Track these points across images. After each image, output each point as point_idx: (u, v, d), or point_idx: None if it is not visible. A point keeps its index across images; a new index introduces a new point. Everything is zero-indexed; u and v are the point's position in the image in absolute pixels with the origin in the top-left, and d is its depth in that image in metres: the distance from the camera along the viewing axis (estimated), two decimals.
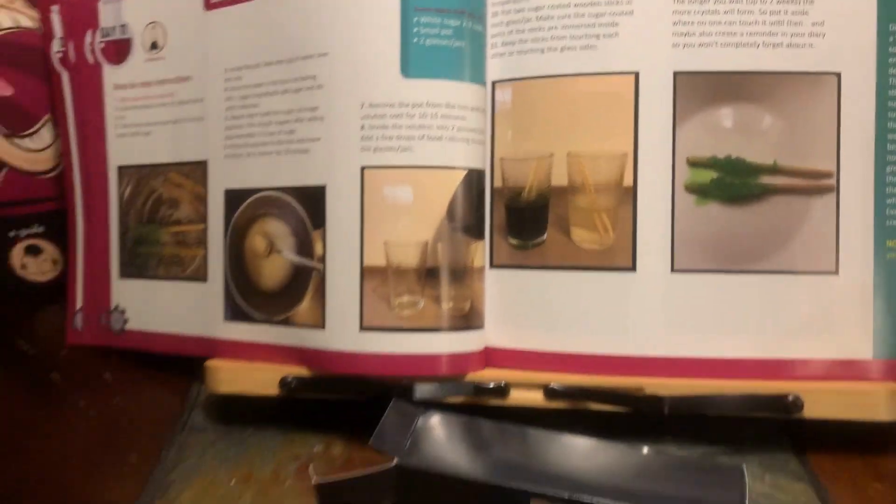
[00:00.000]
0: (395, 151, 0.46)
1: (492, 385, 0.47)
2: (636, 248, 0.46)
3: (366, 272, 0.46)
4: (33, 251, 0.67)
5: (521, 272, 0.48)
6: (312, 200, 0.48)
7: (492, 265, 0.49)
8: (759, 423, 0.47)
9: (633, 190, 0.46)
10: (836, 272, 0.46)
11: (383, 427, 0.44)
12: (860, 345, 0.46)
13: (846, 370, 0.46)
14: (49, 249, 0.67)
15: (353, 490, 0.42)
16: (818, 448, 0.46)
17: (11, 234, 0.66)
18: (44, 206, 0.65)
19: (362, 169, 0.46)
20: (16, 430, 0.52)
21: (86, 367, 0.58)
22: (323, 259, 0.48)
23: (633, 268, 0.46)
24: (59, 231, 0.65)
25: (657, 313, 0.46)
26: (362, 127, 0.46)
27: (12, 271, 0.67)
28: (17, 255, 0.67)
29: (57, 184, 0.65)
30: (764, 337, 0.46)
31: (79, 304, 0.61)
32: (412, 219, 0.46)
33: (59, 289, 0.66)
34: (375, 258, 0.46)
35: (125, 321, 0.58)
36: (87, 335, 0.60)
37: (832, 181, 0.46)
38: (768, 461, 0.45)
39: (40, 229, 0.66)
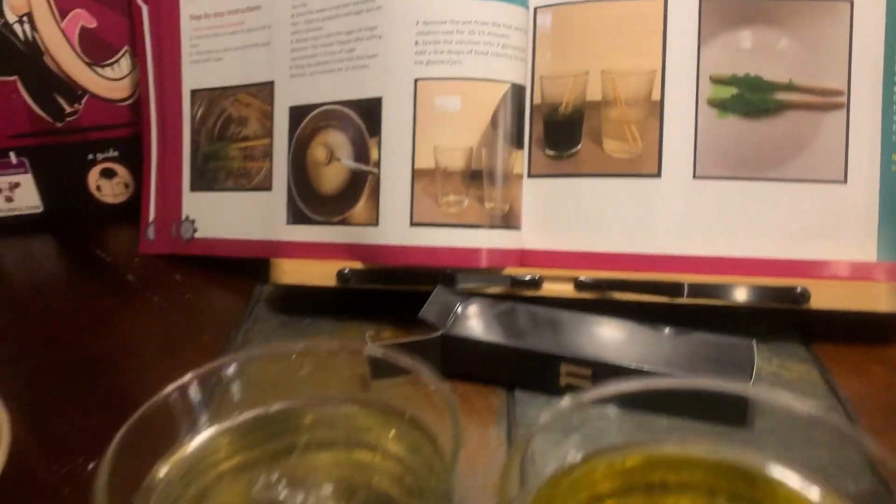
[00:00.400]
0: (445, 65, 0.51)
1: (527, 278, 0.52)
2: (662, 156, 0.51)
3: (416, 174, 0.52)
4: (108, 174, 0.74)
5: (557, 180, 0.53)
6: (369, 111, 0.53)
7: (529, 175, 0.54)
8: (770, 317, 0.51)
9: (661, 104, 0.51)
10: (845, 181, 0.50)
11: (429, 306, 0.49)
12: (865, 248, 0.50)
13: (852, 271, 0.50)
14: (122, 173, 0.74)
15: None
16: (824, 339, 0.50)
17: (90, 157, 0.72)
18: (119, 132, 0.72)
19: (416, 81, 0.52)
20: (98, 319, 0.59)
21: (157, 271, 0.64)
22: (378, 164, 0.53)
23: (658, 174, 0.51)
24: (132, 156, 0.72)
25: (680, 216, 0.51)
26: (416, 43, 0.52)
27: (89, 192, 0.74)
28: (93, 177, 0.73)
29: (132, 111, 0.71)
30: (776, 239, 0.51)
31: (151, 216, 0.67)
32: (459, 126, 0.51)
33: (129, 210, 0.73)
34: (425, 161, 0.52)
35: (195, 230, 0.64)
36: (158, 245, 0.66)
37: (843, 99, 0.50)
38: (777, 349, 0.50)
39: (115, 154, 0.73)
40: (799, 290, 0.49)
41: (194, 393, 0.29)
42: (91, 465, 0.44)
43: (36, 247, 0.71)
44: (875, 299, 0.48)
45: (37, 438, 0.45)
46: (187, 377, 0.29)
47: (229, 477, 0.28)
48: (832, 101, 0.50)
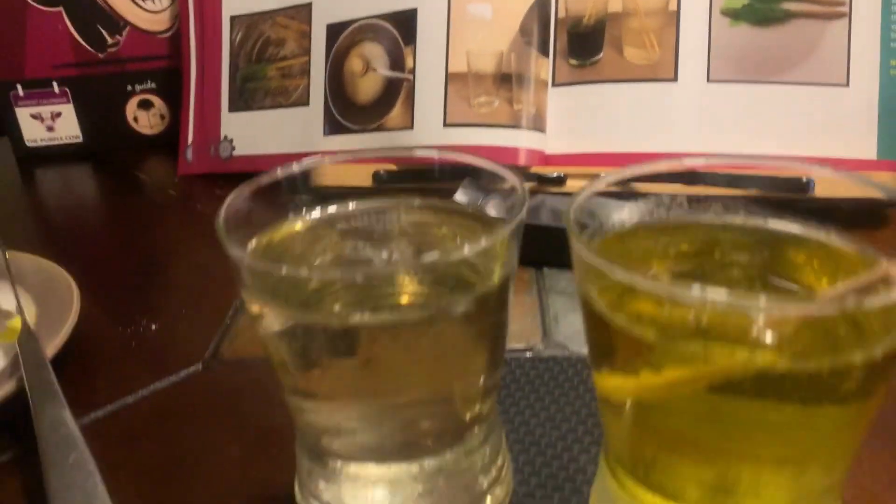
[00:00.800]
0: None
1: (553, 175, 0.56)
2: (678, 62, 0.55)
3: (450, 78, 0.56)
4: (145, 105, 0.77)
5: (580, 87, 0.57)
6: (404, 22, 0.57)
7: (554, 84, 0.58)
8: (777, 209, 0.55)
9: (677, 13, 0.55)
10: (847, 85, 0.54)
11: (460, 194, 0.53)
12: (866, 147, 0.54)
13: (853, 168, 0.54)
14: (159, 104, 0.77)
15: None
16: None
17: (128, 88, 0.76)
18: (157, 64, 0.76)
19: None
20: (147, 222, 0.62)
21: (198, 188, 0.68)
22: (413, 70, 0.57)
23: (675, 79, 0.55)
24: (169, 88, 0.76)
25: (695, 117, 0.55)
26: None
27: (126, 123, 0.77)
28: (131, 108, 0.77)
29: (171, 43, 0.75)
30: (784, 137, 0.55)
31: (190, 139, 0.70)
32: (491, 32, 0.55)
33: (164, 141, 0.77)
34: (458, 66, 0.56)
35: (233, 149, 0.67)
36: (197, 165, 0.70)
37: (845, 8, 0.54)
38: None
39: (153, 85, 0.76)
40: (805, 179, 0.52)
41: (298, 177, 0.32)
42: (154, 326, 0.47)
43: (77, 173, 0.75)
44: (875, 188, 0.52)
45: (102, 307, 0.49)
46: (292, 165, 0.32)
47: (322, 246, 0.32)
48: (835, 11, 0.54)
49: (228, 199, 0.28)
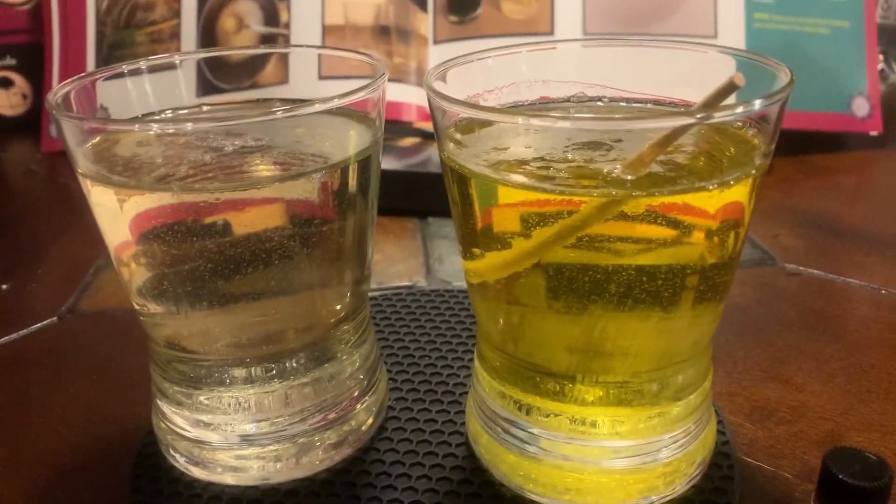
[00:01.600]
0: None
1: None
2: (554, 15, 0.56)
3: (326, 31, 0.54)
4: (5, 84, 0.72)
5: (460, 43, 0.57)
6: None
7: (435, 41, 0.57)
8: None
9: None
10: (716, 36, 0.56)
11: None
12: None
13: None
14: (20, 82, 0.72)
15: None
16: None
17: None
18: (17, 38, 0.71)
19: None
20: (5, 198, 0.58)
21: (62, 163, 0.63)
22: (288, 25, 0.55)
23: (552, 32, 0.56)
24: (31, 65, 0.71)
25: (572, 70, 0.55)
26: None
27: None
28: None
29: (31, 16, 0.70)
30: (657, 88, 0.56)
31: None
32: None
33: (27, 122, 0.72)
34: (335, 18, 0.54)
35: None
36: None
37: None
38: None
39: (12, 62, 0.71)
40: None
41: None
42: (5, 286, 0.43)
43: None
44: None
45: None
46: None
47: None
48: None
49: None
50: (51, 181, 0.61)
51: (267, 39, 0.55)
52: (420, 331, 0.36)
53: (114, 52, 0.63)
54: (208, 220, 0.23)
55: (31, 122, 0.69)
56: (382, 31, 0.54)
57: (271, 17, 0.56)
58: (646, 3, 0.56)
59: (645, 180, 0.21)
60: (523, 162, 0.23)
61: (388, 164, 0.51)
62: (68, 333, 0.38)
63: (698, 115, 0.20)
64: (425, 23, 0.56)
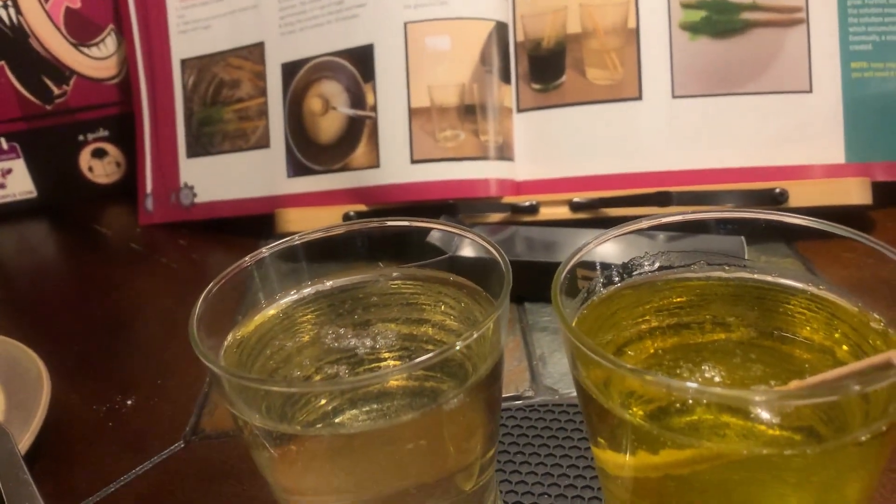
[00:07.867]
0: (433, 6, 0.54)
1: (526, 204, 0.55)
2: (641, 80, 0.55)
3: (413, 113, 0.55)
4: (99, 154, 0.75)
5: (544, 112, 0.56)
6: (362, 58, 0.56)
7: (518, 110, 0.57)
8: (752, 226, 0.55)
9: (636, 31, 0.55)
10: (811, 90, 0.54)
11: (432, 236, 0.52)
12: (834, 151, 0.54)
13: (824, 172, 0.54)
14: (113, 152, 0.75)
15: None
16: (803, 238, 0.54)
17: (80, 138, 0.74)
18: (108, 111, 0.73)
19: (405, 24, 0.55)
20: (110, 283, 0.60)
21: (160, 238, 0.66)
22: (374, 108, 0.56)
23: (639, 97, 0.55)
24: (123, 135, 0.73)
25: (662, 134, 0.55)
26: None
27: (81, 174, 0.75)
28: (84, 158, 0.75)
29: (121, 89, 0.72)
30: (753, 148, 0.54)
31: (149, 188, 0.68)
32: (451, 64, 0.54)
33: (122, 189, 0.75)
34: (421, 100, 0.54)
35: (194, 196, 0.65)
36: (158, 214, 0.68)
37: (802, 14, 0.54)
38: (763, 248, 0.53)
39: (105, 133, 0.74)
40: (778, 190, 0.52)
41: (267, 265, 0.32)
42: (129, 402, 0.45)
43: (34, 231, 0.72)
44: (846, 194, 0.52)
45: (73, 385, 0.47)
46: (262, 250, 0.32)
47: (301, 336, 0.31)
48: (793, 18, 0.54)
49: (198, 305, 0.27)
50: (151, 262, 0.63)
51: (354, 122, 0.56)
52: (531, 453, 0.36)
53: (203, 128, 0.65)
54: (350, 448, 0.24)
55: (126, 190, 0.72)
56: (468, 110, 0.54)
57: (357, 98, 0.56)
58: (736, 62, 0.54)
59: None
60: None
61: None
62: (195, 461, 0.40)
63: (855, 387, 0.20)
64: (509, 94, 0.56)
